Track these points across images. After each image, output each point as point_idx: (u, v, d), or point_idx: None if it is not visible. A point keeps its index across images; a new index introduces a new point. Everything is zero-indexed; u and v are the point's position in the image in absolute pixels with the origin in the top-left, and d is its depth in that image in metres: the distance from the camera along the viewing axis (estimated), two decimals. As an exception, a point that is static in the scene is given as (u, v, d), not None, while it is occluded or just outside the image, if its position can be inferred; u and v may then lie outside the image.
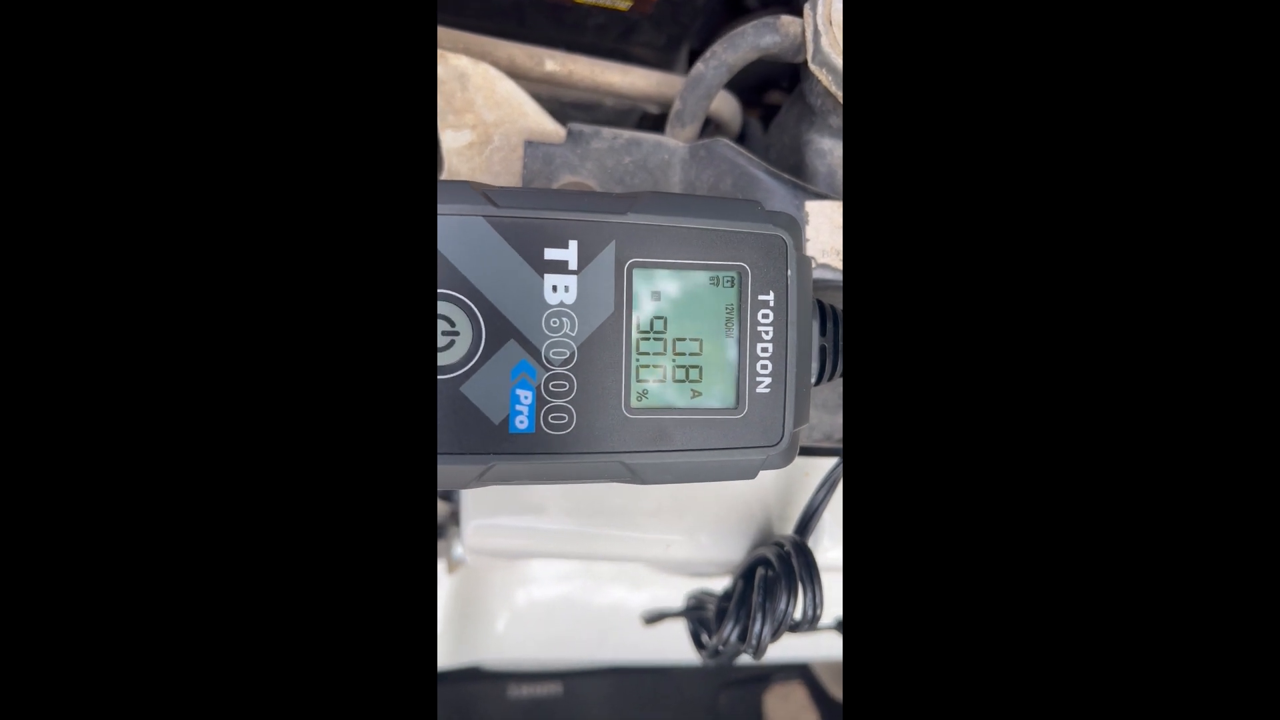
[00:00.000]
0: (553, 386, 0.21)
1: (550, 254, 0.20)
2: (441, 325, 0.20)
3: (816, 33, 0.28)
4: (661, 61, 0.48)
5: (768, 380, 0.22)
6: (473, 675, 0.80)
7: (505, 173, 0.29)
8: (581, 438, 0.21)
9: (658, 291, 0.21)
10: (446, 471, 0.20)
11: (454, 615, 0.57)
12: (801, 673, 0.92)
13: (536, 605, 0.56)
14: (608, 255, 0.21)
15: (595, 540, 0.31)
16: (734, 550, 0.33)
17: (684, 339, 0.21)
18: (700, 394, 0.21)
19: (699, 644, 0.41)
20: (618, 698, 0.92)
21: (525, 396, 0.20)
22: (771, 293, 0.22)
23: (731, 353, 0.22)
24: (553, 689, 0.88)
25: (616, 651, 0.57)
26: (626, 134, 0.30)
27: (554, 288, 0.20)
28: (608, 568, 0.52)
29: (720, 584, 0.40)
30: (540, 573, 0.54)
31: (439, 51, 0.29)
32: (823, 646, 0.59)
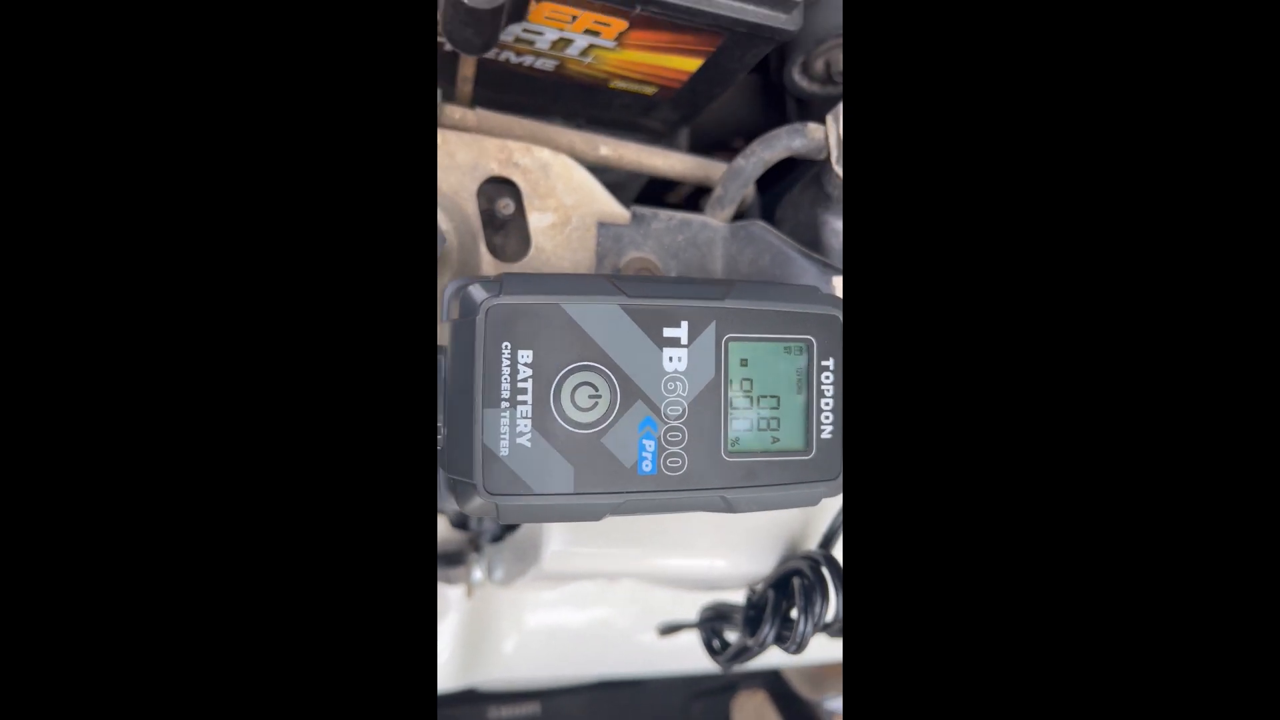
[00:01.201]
0: (669, 436, 0.26)
1: (668, 332, 0.26)
2: (588, 390, 0.25)
3: (839, 138, 0.35)
4: (668, 134, 0.54)
5: (830, 428, 0.28)
6: (464, 698, 0.82)
7: (581, 249, 0.34)
8: (691, 477, 0.26)
9: (746, 359, 0.27)
10: (587, 506, 0.25)
11: (465, 638, 0.60)
12: (765, 680, 0.99)
13: (545, 626, 0.60)
14: (710, 332, 0.26)
15: (654, 561, 0.36)
16: (762, 565, 0.38)
17: (766, 396, 0.27)
18: (778, 440, 0.27)
19: (712, 650, 0.46)
20: (595, 712, 0.95)
21: (649, 445, 0.26)
22: (830, 359, 0.28)
23: (801, 407, 0.28)
24: (531, 709, 0.91)
25: (621, 666, 0.62)
26: (679, 215, 0.36)
27: (670, 358, 0.26)
28: (617, 587, 0.57)
29: (733, 596, 0.45)
30: (550, 595, 0.58)
31: (524, 144, 0.34)
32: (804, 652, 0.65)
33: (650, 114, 0.50)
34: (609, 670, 0.66)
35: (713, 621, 0.46)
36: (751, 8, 0.35)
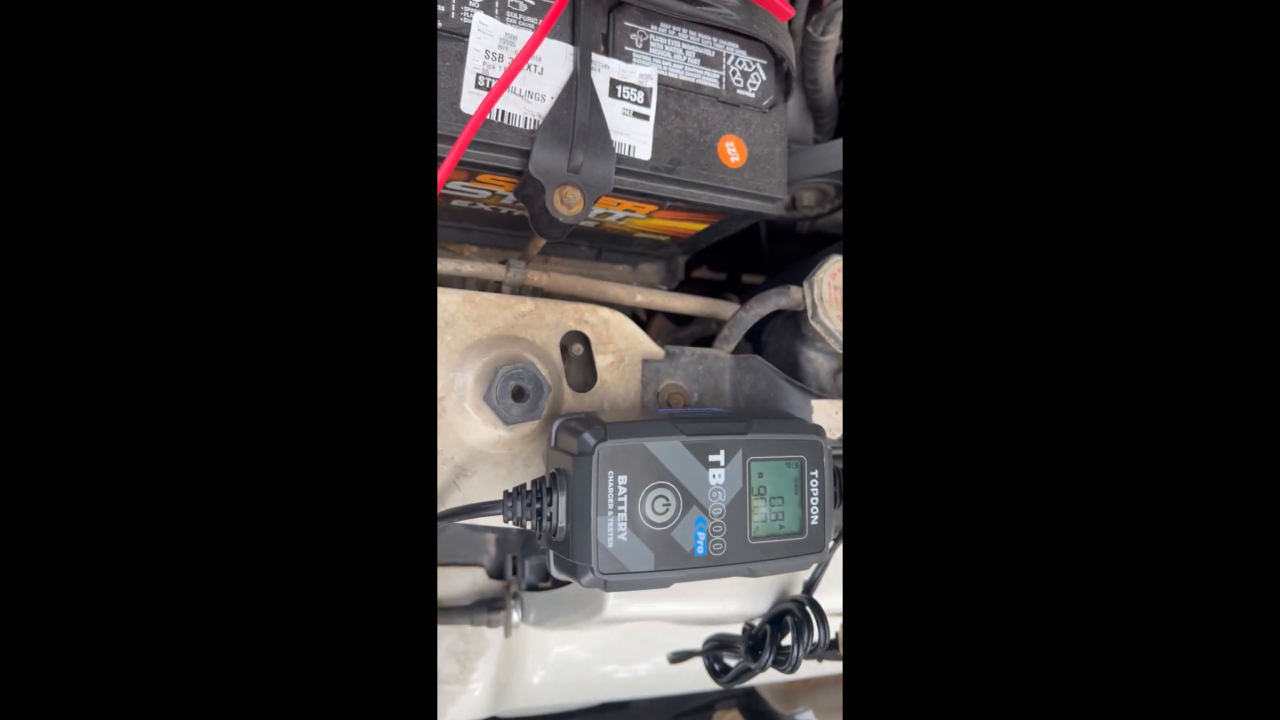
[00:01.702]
0: (714, 529, 0.39)
1: (711, 458, 0.39)
2: (662, 500, 0.37)
3: (814, 301, 0.49)
4: (671, 259, 0.68)
5: (816, 517, 0.41)
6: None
7: (632, 380, 0.47)
8: (729, 556, 0.39)
9: (761, 473, 0.40)
10: (662, 579, 0.37)
11: (500, 672, 0.70)
12: (739, 700, 1.11)
13: (566, 660, 0.71)
14: (739, 456, 0.39)
15: (681, 606, 0.49)
16: (758, 606, 0.51)
17: (775, 498, 0.40)
18: (783, 527, 0.40)
19: (715, 673, 0.59)
20: (586, 735, 1.03)
21: (701, 536, 0.38)
22: (815, 469, 0.41)
23: (797, 502, 0.41)
24: (525, 735, 0.99)
25: (635, 690, 0.73)
26: (699, 351, 0.49)
27: (713, 475, 0.39)
28: (634, 629, 0.68)
29: (731, 629, 0.58)
30: (576, 634, 0.69)
31: (592, 306, 0.47)
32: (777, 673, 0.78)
33: (660, 249, 0.64)
34: (616, 694, 0.78)
35: (715, 650, 0.59)
36: (750, 203, 0.49)
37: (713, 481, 0.39)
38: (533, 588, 0.68)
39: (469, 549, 0.69)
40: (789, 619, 0.48)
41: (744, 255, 0.93)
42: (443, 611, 0.66)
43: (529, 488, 0.38)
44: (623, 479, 0.37)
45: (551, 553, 0.40)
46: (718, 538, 0.39)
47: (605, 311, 0.47)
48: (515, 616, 0.66)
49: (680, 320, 0.78)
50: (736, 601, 0.50)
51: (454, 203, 0.50)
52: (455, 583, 0.69)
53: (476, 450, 0.43)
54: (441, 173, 0.37)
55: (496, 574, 0.70)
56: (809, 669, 0.78)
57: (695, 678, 0.78)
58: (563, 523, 0.38)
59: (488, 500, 0.39)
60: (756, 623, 0.53)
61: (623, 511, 0.37)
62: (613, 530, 0.37)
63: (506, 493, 0.38)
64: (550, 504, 0.38)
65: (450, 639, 0.67)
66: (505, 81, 0.39)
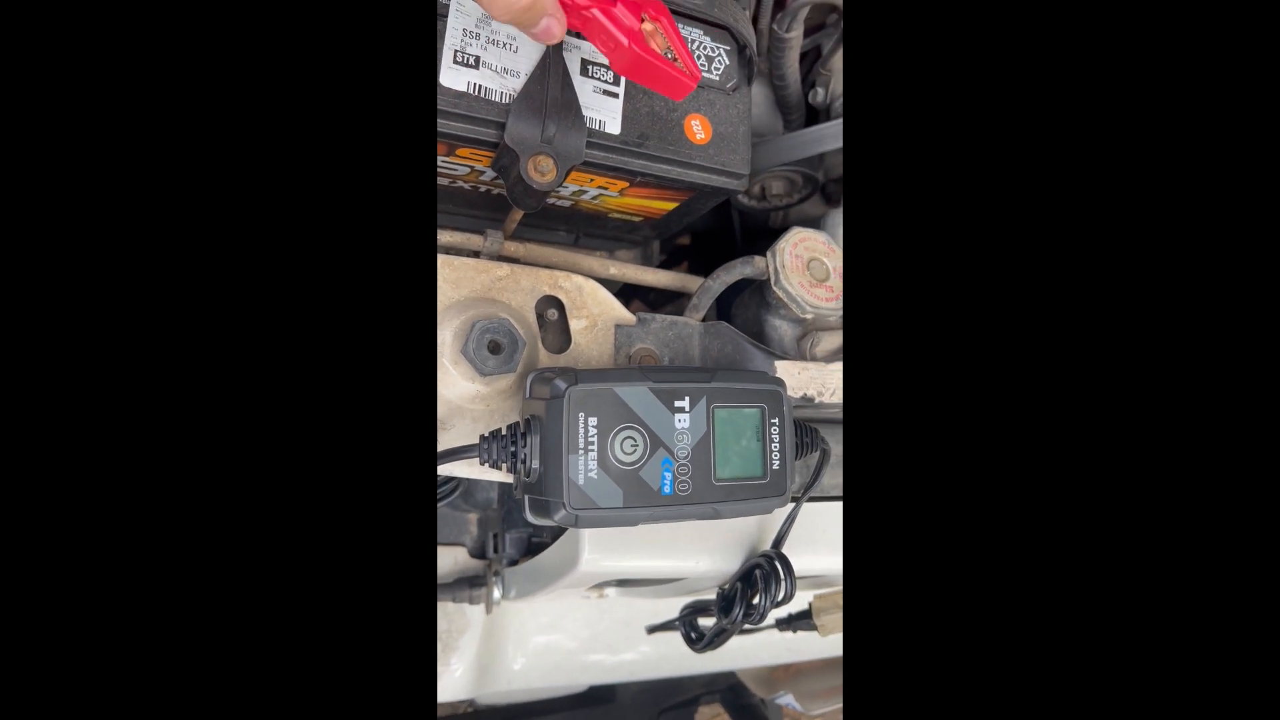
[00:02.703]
0: (680, 470, 0.41)
1: (677, 403, 0.41)
2: (630, 441, 0.40)
3: (776, 269, 0.51)
4: (645, 243, 0.71)
5: (778, 461, 0.43)
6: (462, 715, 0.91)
7: (605, 344, 0.49)
8: (694, 496, 0.41)
9: (725, 419, 0.42)
10: (631, 516, 0.39)
11: (481, 653, 0.71)
12: (722, 695, 1.12)
13: (546, 645, 0.72)
14: (703, 402, 0.42)
15: (654, 563, 0.51)
16: (730, 565, 0.53)
17: (738, 442, 0.42)
18: (746, 471, 0.43)
19: (690, 641, 0.60)
20: (568, 728, 1.03)
21: (668, 476, 0.40)
22: (776, 417, 0.43)
23: (759, 448, 0.43)
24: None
25: (617, 674, 0.74)
26: (669, 318, 0.52)
27: (679, 420, 0.41)
28: (613, 604, 0.70)
29: (706, 596, 0.59)
30: (551, 617, 0.70)
31: (565, 273, 0.49)
32: (757, 655, 0.79)
33: (635, 231, 0.67)
34: (598, 679, 0.79)
35: (690, 617, 0.60)
36: (716, 179, 0.52)
37: (678, 425, 0.41)
38: (513, 563, 0.69)
39: (451, 528, 0.70)
40: (757, 572, 0.50)
41: (720, 252, 0.97)
42: (425, 589, 0.67)
43: (504, 432, 0.40)
44: (593, 420, 0.39)
45: (527, 498, 0.42)
46: (684, 478, 0.41)
47: (579, 278, 0.49)
48: (496, 593, 0.67)
49: (655, 305, 0.80)
50: (709, 559, 0.52)
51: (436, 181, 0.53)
52: (438, 561, 0.70)
53: (454, 405, 0.45)
54: None
55: (478, 553, 0.71)
56: (789, 649, 0.79)
57: (676, 662, 0.79)
58: (536, 464, 0.40)
59: (464, 444, 0.41)
60: (727, 585, 0.55)
61: (593, 451, 0.39)
62: (583, 468, 0.39)
63: (483, 436, 0.41)
64: (525, 446, 0.40)
65: (432, 618, 0.69)
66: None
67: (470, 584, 0.68)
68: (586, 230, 0.66)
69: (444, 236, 0.51)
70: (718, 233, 0.94)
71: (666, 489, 0.40)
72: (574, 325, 0.49)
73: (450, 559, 0.70)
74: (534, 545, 0.68)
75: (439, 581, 0.69)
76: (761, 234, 0.91)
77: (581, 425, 0.39)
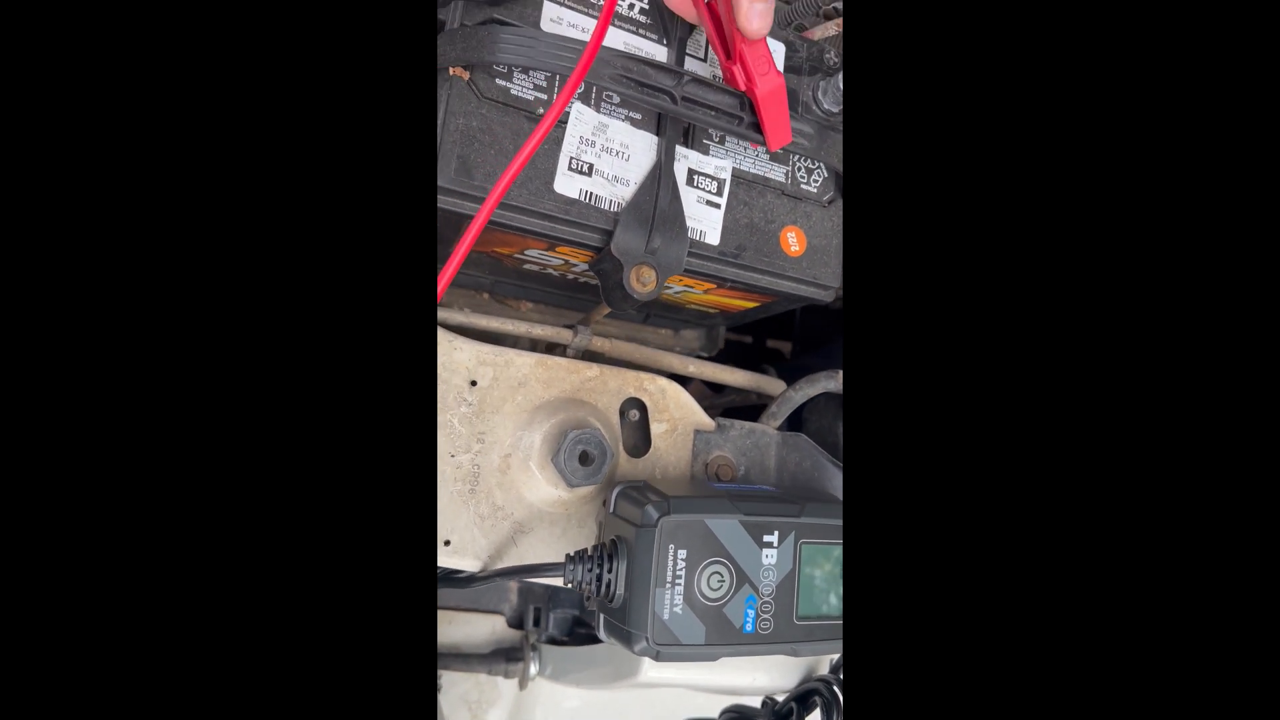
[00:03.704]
0: (763, 606, 0.40)
1: (765, 538, 0.40)
2: (717, 576, 0.39)
3: (859, 388, 0.51)
4: (713, 328, 0.71)
5: (859, 602, 0.42)
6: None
7: (683, 449, 0.49)
8: (775, 635, 0.40)
9: (809, 555, 0.42)
10: (712, 653, 0.39)
11: (510, 723, 0.70)
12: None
13: (580, 717, 0.71)
14: (791, 538, 0.41)
15: (710, 676, 0.50)
16: (787, 681, 0.52)
17: (822, 581, 0.42)
18: (827, 610, 0.42)
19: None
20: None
21: (750, 614, 0.40)
22: (860, 556, 0.43)
23: (840, 587, 0.42)
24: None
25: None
26: (747, 426, 0.51)
27: (766, 555, 0.40)
28: (651, 695, 0.69)
29: (750, 701, 0.58)
30: (591, 699, 0.69)
31: (651, 375, 0.49)
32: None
33: (706, 318, 0.67)
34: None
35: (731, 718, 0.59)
36: (806, 289, 0.52)
37: (765, 561, 0.40)
38: (553, 641, 0.68)
39: (491, 596, 0.69)
40: (817, 699, 0.49)
41: (779, 328, 0.96)
42: (460, 658, 0.66)
43: (590, 553, 0.40)
44: (682, 553, 0.38)
45: (602, 616, 0.41)
46: (766, 616, 0.40)
47: (663, 381, 0.49)
48: (533, 668, 0.66)
49: (718, 385, 0.80)
50: (765, 675, 0.51)
51: (525, 266, 0.53)
52: (475, 629, 0.69)
53: (536, 508, 0.45)
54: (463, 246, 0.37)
55: (516, 623, 0.70)
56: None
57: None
58: (621, 590, 0.39)
59: (548, 562, 0.41)
60: (779, 698, 0.54)
61: (679, 585, 0.38)
62: (669, 602, 0.38)
63: (569, 556, 0.40)
64: (610, 571, 0.39)
65: (464, 686, 0.68)
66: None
67: (506, 657, 0.67)
68: (658, 312, 0.66)
69: (534, 329, 0.51)
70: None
71: (749, 627, 0.40)
72: (655, 428, 0.49)
73: (488, 627, 0.69)
74: (577, 624, 0.68)
75: (474, 652, 0.68)
76: (813, 309, 0.91)
77: (670, 558, 0.38)
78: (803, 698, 0.51)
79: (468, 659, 0.67)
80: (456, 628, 0.70)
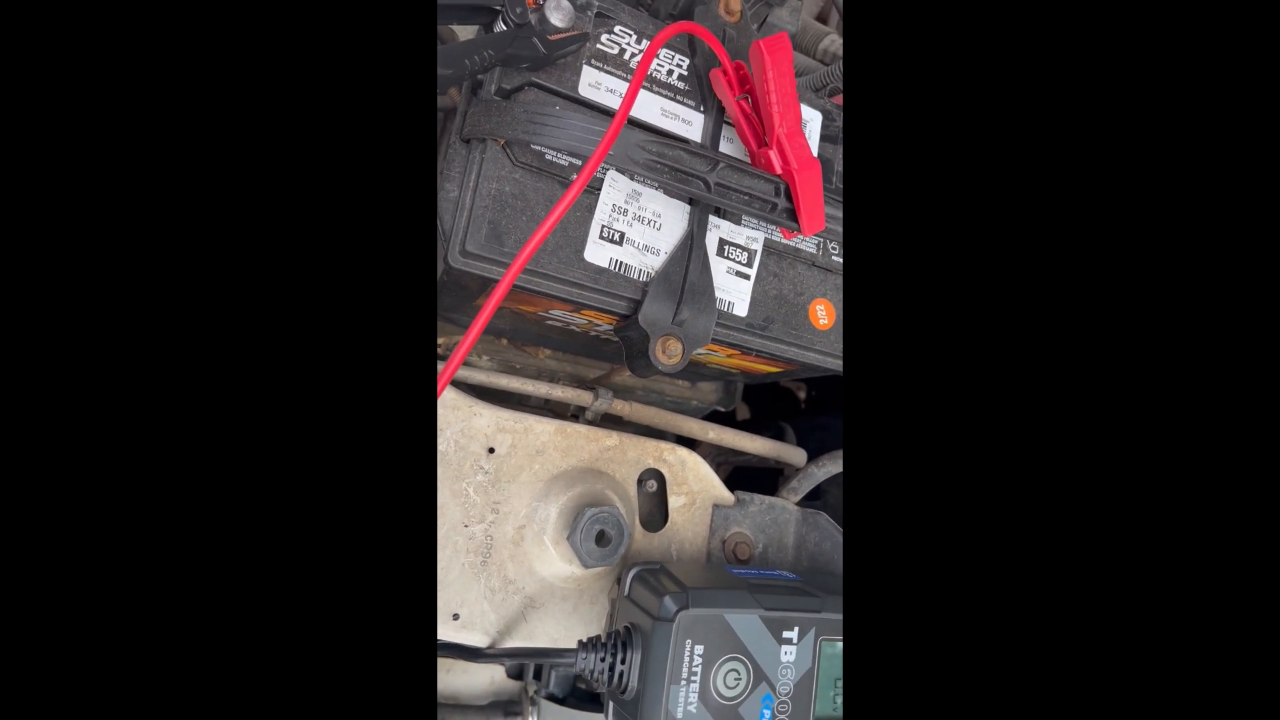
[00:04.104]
0: (779, 706, 0.38)
1: (785, 634, 0.39)
2: (734, 674, 0.37)
3: (884, 468, 0.50)
4: (726, 385, 0.69)
5: (878, 703, 0.41)
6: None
7: (701, 524, 0.47)
8: None
9: (828, 653, 0.40)
10: (724, 754, 0.37)
11: (502, 779, 0.68)
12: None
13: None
14: (811, 634, 0.40)
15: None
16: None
17: (840, 679, 0.40)
18: (841, 710, 0.40)
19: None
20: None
21: (766, 714, 0.38)
22: (881, 653, 0.41)
23: (861, 686, 0.41)
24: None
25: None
26: (766, 500, 0.50)
27: (785, 652, 0.39)
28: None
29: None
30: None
31: (671, 445, 0.47)
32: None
33: (726, 375, 0.65)
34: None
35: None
36: (832, 362, 0.51)
37: (784, 658, 0.39)
38: (553, 698, 0.67)
39: (492, 644, 0.68)
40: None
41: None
42: (458, 709, 0.64)
43: (604, 640, 0.39)
44: (699, 649, 0.37)
45: (612, 704, 0.40)
46: (783, 716, 0.39)
47: (683, 452, 0.48)
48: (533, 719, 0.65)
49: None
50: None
51: (548, 323, 0.52)
52: (474, 678, 0.68)
53: (548, 583, 0.43)
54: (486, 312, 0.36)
55: (516, 674, 0.68)
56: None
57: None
58: (634, 683, 0.38)
59: (558, 647, 0.39)
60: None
61: (695, 682, 0.37)
62: (683, 700, 0.37)
63: (581, 643, 0.39)
64: (624, 661, 0.38)
65: (460, 736, 0.66)
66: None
67: (505, 710, 0.65)
68: (689, 370, 0.65)
69: (555, 391, 0.50)
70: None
71: (764, 727, 0.38)
72: (673, 502, 0.47)
73: (486, 676, 0.68)
74: (578, 679, 0.66)
75: (472, 702, 0.66)
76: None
77: (687, 654, 0.37)
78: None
79: (465, 710, 0.65)
80: (455, 675, 0.68)
